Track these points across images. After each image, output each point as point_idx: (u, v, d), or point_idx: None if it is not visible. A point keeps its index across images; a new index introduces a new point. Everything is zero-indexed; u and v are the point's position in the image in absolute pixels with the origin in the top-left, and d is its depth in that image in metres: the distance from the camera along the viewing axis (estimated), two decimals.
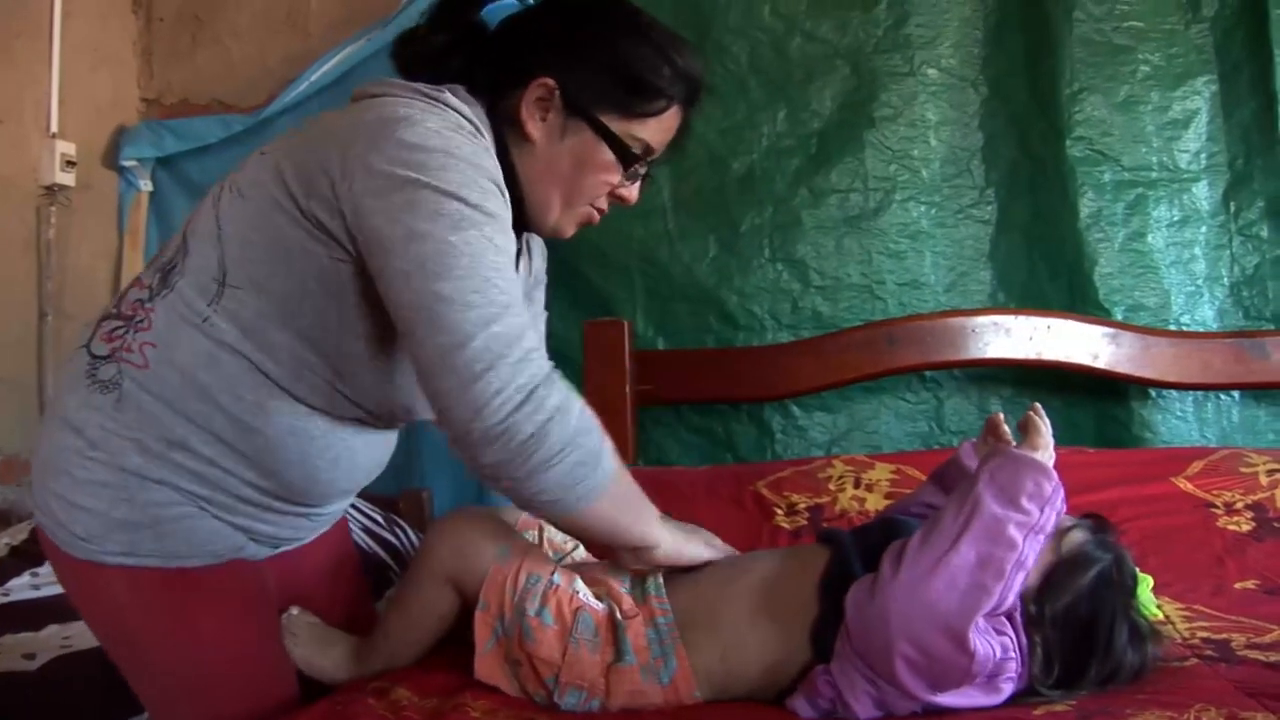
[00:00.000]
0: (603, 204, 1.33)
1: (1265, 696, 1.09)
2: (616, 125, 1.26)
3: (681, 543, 1.27)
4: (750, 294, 2.50)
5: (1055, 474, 1.09)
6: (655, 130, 1.29)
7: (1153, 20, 2.39)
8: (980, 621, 1.04)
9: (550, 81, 1.24)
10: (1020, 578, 1.06)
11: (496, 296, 1.08)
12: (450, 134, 1.14)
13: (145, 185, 2.75)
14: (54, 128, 2.58)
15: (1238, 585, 1.74)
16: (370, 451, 1.33)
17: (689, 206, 2.49)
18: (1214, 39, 2.38)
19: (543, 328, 1.52)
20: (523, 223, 1.31)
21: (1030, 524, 1.06)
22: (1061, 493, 1.08)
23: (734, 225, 2.51)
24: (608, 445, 1.15)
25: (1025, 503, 1.06)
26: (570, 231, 1.35)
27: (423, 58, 1.29)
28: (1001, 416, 1.19)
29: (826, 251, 2.49)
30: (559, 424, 1.08)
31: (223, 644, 1.26)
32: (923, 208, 2.48)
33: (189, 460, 1.20)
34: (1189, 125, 2.39)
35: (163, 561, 1.21)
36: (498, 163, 1.20)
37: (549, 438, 1.07)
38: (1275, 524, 1.91)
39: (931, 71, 2.48)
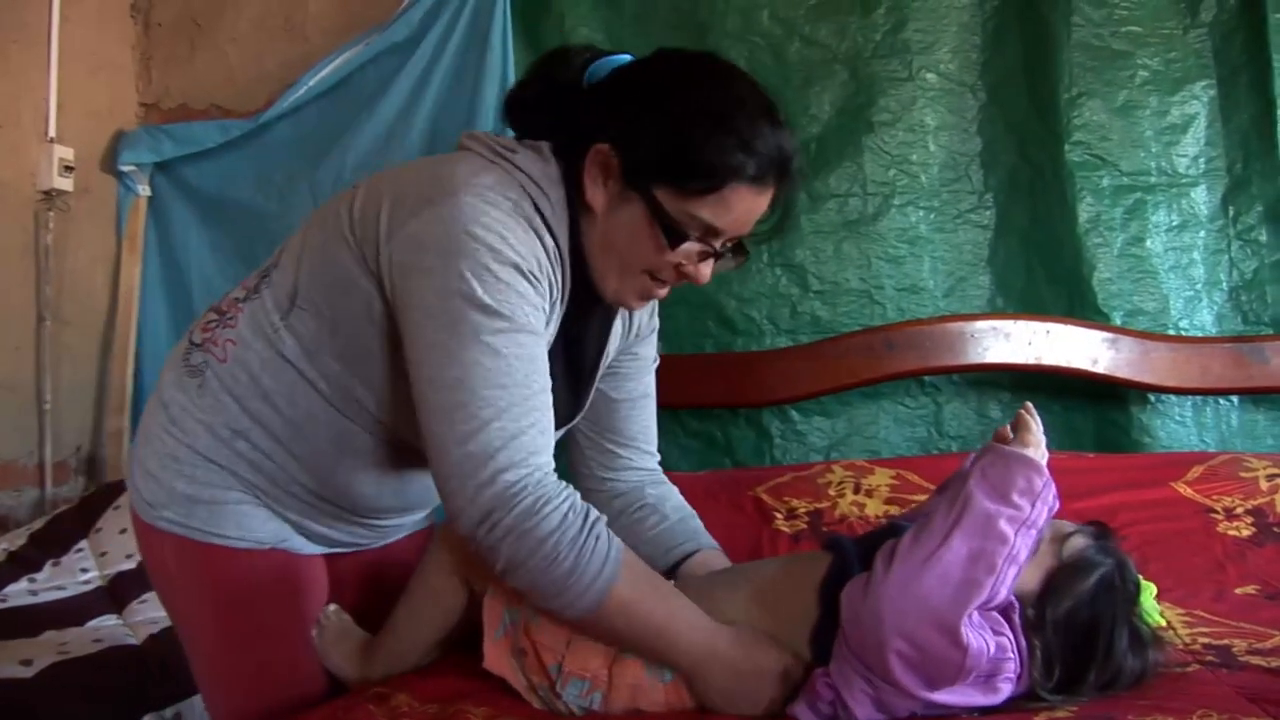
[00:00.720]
0: (669, 279, 1.28)
1: (1266, 702, 1.09)
2: (671, 202, 1.19)
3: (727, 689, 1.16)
4: (749, 299, 2.51)
5: (1046, 470, 1.09)
6: (719, 210, 1.20)
7: (1151, 25, 2.40)
8: (975, 617, 1.04)
9: (606, 148, 1.20)
10: (1013, 572, 1.06)
11: (479, 411, 1.09)
12: (487, 210, 1.13)
13: (144, 190, 2.74)
14: (52, 132, 2.58)
15: (1238, 590, 1.74)
16: (422, 477, 1.32)
17: None
18: (1212, 44, 2.39)
19: (650, 379, 1.54)
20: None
21: (1021, 518, 1.06)
22: (1053, 488, 1.08)
23: None
24: (588, 565, 1.09)
25: (1016, 498, 1.06)
26: (634, 304, 1.32)
27: (517, 109, 1.31)
28: (1009, 430, 1.18)
29: (825, 256, 2.49)
30: (509, 547, 1.09)
31: (248, 627, 1.31)
32: (921, 213, 2.48)
33: (249, 451, 1.27)
34: (1187, 130, 2.40)
35: (206, 537, 1.28)
36: (543, 236, 1.18)
37: (500, 556, 1.10)
38: (1275, 529, 1.91)
39: (930, 76, 2.48)
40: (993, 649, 1.04)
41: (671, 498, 1.52)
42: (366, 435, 1.27)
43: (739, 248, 1.28)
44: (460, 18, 2.55)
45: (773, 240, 1.31)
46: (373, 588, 1.45)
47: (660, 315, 2.52)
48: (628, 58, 1.27)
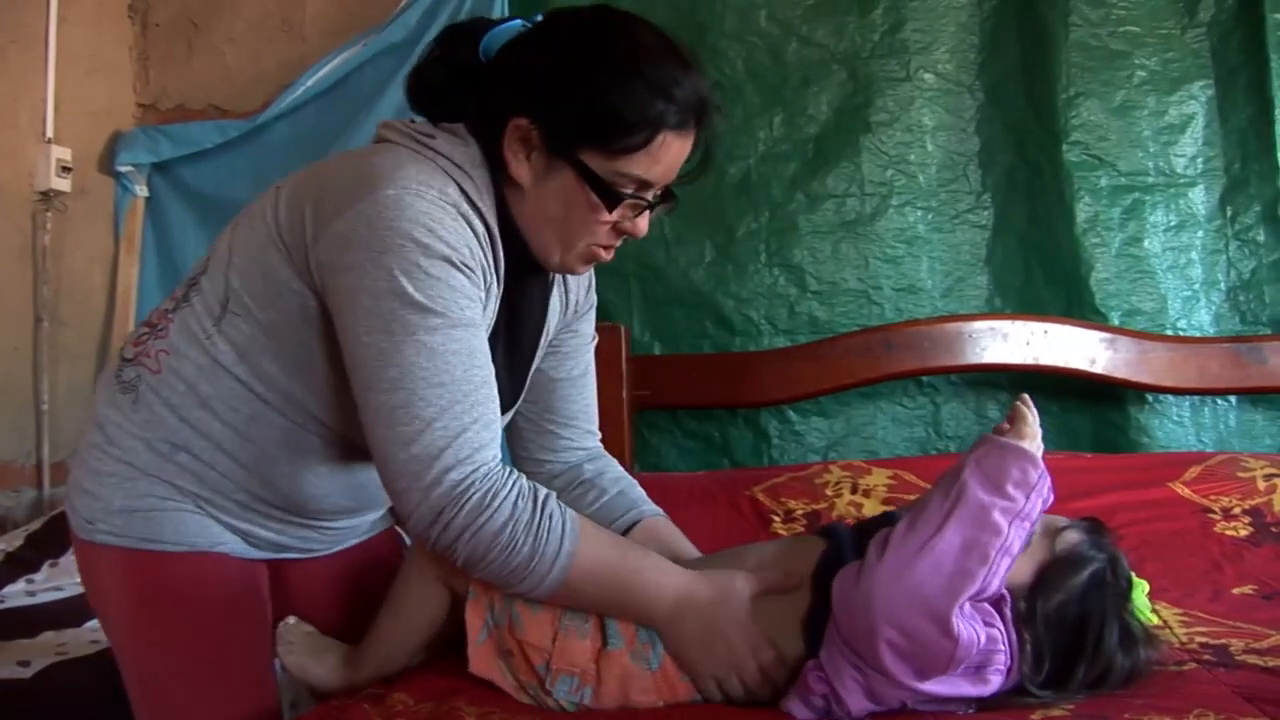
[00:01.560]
0: (608, 239, 1.26)
1: (1263, 701, 1.09)
2: (600, 164, 1.18)
3: (691, 636, 1.17)
4: (747, 299, 2.51)
5: (1042, 462, 1.09)
6: (648, 163, 1.19)
7: (1149, 25, 2.40)
8: (966, 608, 1.04)
9: (524, 122, 1.18)
10: (1006, 564, 1.06)
11: (421, 411, 1.09)
12: (413, 202, 1.11)
13: (141, 191, 2.74)
14: (50, 133, 2.57)
15: (1235, 590, 1.74)
16: (375, 474, 1.31)
17: (685, 211, 2.47)
18: (1210, 44, 2.39)
19: (590, 356, 1.52)
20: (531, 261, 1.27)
21: (1016, 510, 1.06)
22: (1048, 481, 1.08)
23: (730, 230, 2.51)
24: (546, 547, 1.12)
25: (1011, 489, 1.06)
26: (580, 269, 1.31)
27: (425, 91, 1.27)
28: (1007, 427, 1.18)
29: (823, 256, 2.49)
30: (466, 545, 1.11)
31: (187, 635, 1.27)
32: (919, 213, 2.48)
33: (191, 463, 1.24)
34: (1185, 130, 2.40)
35: (142, 544, 1.25)
36: (472, 221, 1.17)
37: (458, 554, 1.12)
38: (1273, 529, 1.91)
39: (928, 76, 2.48)
40: (983, 640, 1.04)
41: (609, 470, 1.50)
42: (313, 436, 1.25)
43: (667, 194, 1.27)
44: (458, 18, 2.55)
45: (695, 181, 1.29)
46: (339, 594, 1.43)
47: (657, 316, 2.54)
48: (519, 24, 1.24)
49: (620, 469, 1.53)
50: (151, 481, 1.24)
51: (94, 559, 1.29)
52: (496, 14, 2.49)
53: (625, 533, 1.41)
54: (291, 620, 1.34)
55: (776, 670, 1.16)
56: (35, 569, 2.20)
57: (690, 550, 1.40)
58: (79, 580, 2.16)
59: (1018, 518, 1.06)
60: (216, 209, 2.71)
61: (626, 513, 1.45)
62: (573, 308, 1.46)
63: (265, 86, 2.76)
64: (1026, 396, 1.16)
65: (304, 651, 1.32)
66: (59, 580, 2.19)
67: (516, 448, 1.52)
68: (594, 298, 1.52)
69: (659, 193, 1.25)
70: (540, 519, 1.12)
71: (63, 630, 1.99)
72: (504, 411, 1.34)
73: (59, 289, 2.61)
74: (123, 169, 2.71)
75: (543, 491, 1.16)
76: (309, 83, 2.64)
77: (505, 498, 1.11)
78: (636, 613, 1.18)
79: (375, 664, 1.30)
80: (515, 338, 1.35)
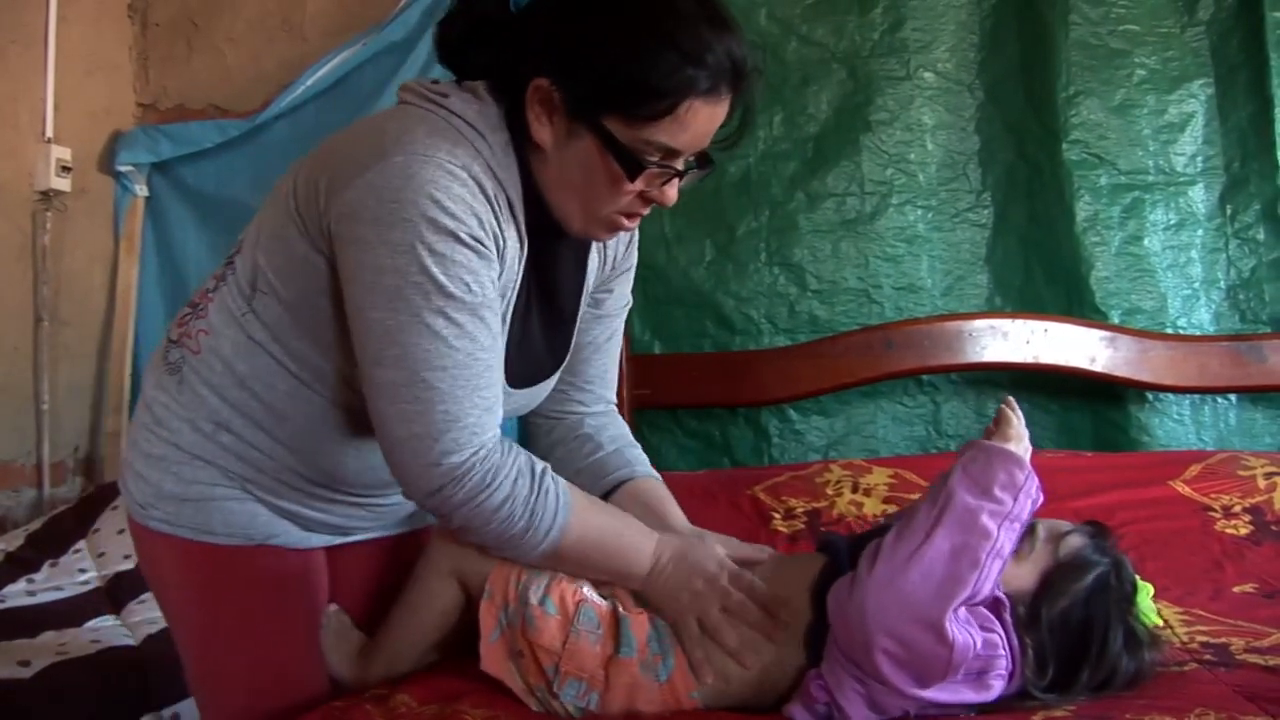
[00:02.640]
0: (634, 208, 1.21)
1: (1264, 700, 1.09)
2: (623, 131, 1.12)
3: (670, 589, 1.22)
4: (747, 298, 2.51)
5: (1028, 464, 1.09)
6: (674, 130, 1.12)
7: (1149, 24, 2.40)
8: (961, 613, 1.04)
9: (545, 83, 1.12)
10: (998, 566, 1.06)
11: (421, 393, 1.10)
12: (419, 171, 1.08)
13: (141, 190, 2.74)
14: (49, 133, 2.57)
15: (1236, 589, 1.74)
16: None
17: (685, 210, 2.49)
18: (1210, 42, 2.39)
19: (620, 323, 1.48)
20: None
21: (1004, 512, 1.06)
22: (1036, 481, 1.08)
23: (730, 229, 2.51)
24: (541, 520, 1.16)
25: (998, 492, 1.06)
26: (603, 237, 1.28)
27: (448, 45, 1.22)
28: (993, 429, 1.18)
29: (823, 255, 2.50)
30: (463, 516, 1.15)
31: (240, 627, 1.28)
32: (919, 211, 2.48)
33: (234, 443, 1.24)
34: (1185, 128, 2.40)
35: (195, 535, 1.25)
36: (484, 183, 1.13)
37: (454, 522, 1.17)
38: (1273, 527, 1.91)
39: (928, 75, 2.49)
40: (979, 644, 1.04)
41: (610, 427, 1.47)
42: (346, 411, 1.23)
43: (703, 158, 1.21)
44: None
45: (734, 147, 1.24)
46: (387, 583, 1.41)
47: (657, 315, 2.54)
48: None
49: (624, 428, 1.50)
50: (197, 465, 1.24)
51: (150, 543, 1.30)
52: None
53: (612, 490, 1.40)
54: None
55: (755, 593, 1.19)
56: (36, 569, 2.21)
57: (678, 515, 1.38)
58: (79, 580, 2.20)
59: (1007, 520, 1.06)
60: (216, 209, 2.72)
61: (617, 470, 1.42)
62: (610, 263, 1.41)
63: (265, 86, 2.76)
64: (1011, 399, 1.17)
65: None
66: (59, 580, 2.19)
67: None
68: (634, 258, 1.46)
69: (691, 159, 1.19)
70: (538, 495, 1.15)
71: (63, 630, 1.99)
72: (548, 376, 1.36)
73: (59, 289, 2.61)
74: (123, 169, 2.72)
75: (539, 466, 1.17)
76: (309, 82, 2.64)
77: (505, 476, 1.13)
78: (619, 574, 1.22)
79: (385, 660, 1.30)
80: (550, 303, 1.32)
